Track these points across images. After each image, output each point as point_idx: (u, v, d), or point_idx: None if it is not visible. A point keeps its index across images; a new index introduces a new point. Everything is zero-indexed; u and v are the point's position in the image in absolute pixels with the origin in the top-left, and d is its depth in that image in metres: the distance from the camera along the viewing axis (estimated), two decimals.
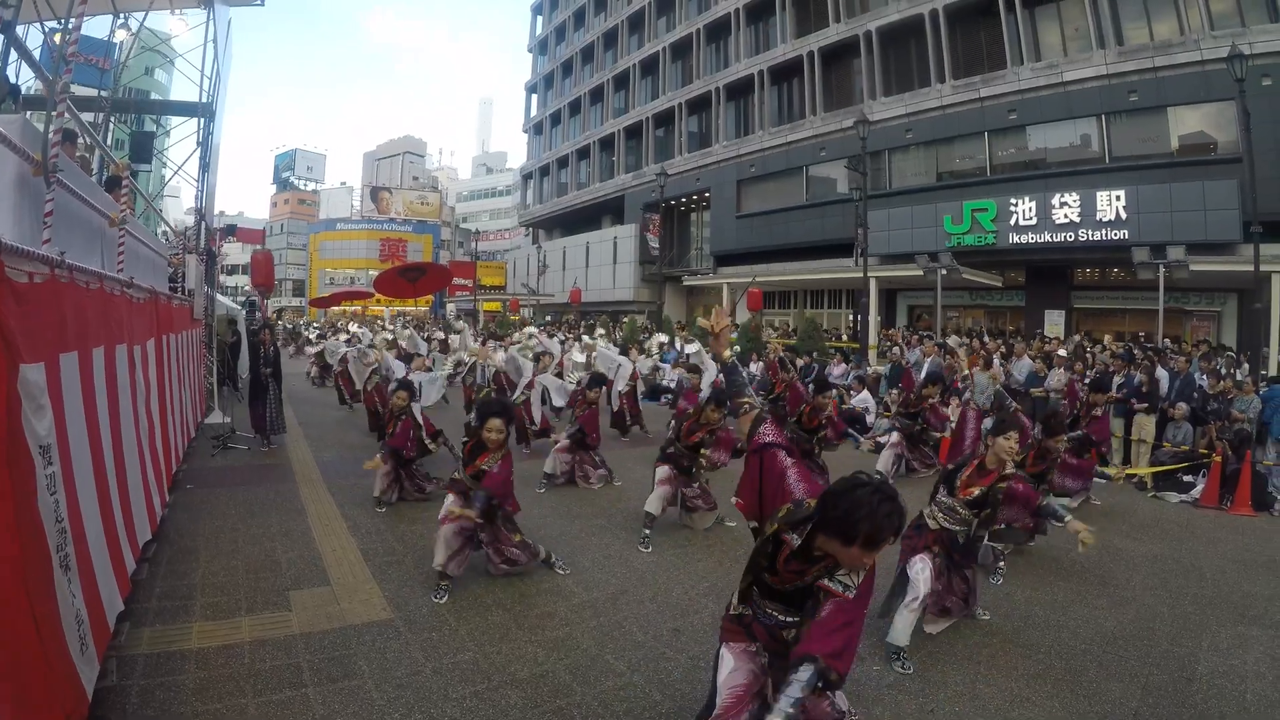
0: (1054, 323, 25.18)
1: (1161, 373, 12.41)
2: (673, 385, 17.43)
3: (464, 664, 4.60)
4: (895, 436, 10.88)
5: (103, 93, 14.09)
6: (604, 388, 11.30)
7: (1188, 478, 10.74)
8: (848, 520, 2.54)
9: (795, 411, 9.54)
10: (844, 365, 17.89)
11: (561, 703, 4.18)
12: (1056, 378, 13.65)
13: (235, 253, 67.28)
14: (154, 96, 35.03)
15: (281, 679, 4.30)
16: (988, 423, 9.59)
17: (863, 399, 15.03)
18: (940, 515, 5.27)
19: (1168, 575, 6.92)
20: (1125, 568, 7.09)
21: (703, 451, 7.63)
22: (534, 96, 58.42)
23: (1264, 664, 5.03)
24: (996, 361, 12.78)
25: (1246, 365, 14.50)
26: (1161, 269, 17.78)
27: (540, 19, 58.52)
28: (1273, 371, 15.43)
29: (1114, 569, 7.01)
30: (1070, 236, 23.27)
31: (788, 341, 22.17)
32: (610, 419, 13.58)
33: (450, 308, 50.03)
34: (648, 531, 7.29)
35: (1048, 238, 23.71)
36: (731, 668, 3.08)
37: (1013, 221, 24.40)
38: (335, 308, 47.46)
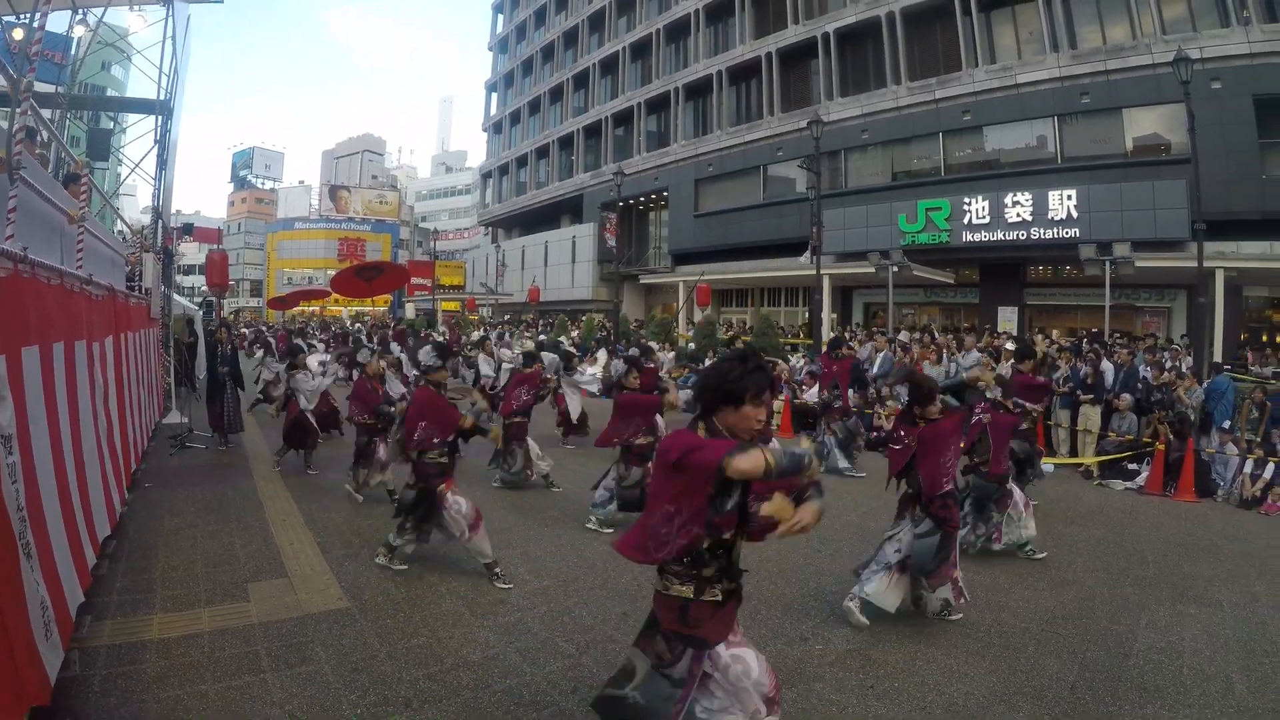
0: (1007, 319, 25.58)
1: (1106, 365, 12.74)
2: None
3: (417, 648, 4.70)
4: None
5: (60, 88, 13.89)
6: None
7: (1132, 466, 11.11)
8: (731, 384, 2.75)
9: None
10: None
11: (511, 683, 4.28)
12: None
13: (191, 252, 66.51)
14: (110, 92, 34.54)
15: (241, 665, 4.37)
16: None
17: (814, 394, 15.15)
18: None
19: (1110, 558, 7.16)
20: (1068, 552, 7.32)
21: None
22: (494, 95, 58.06)
23: (1200, 640, 5.23)
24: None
25: (1190, 357, 14.91)
26: (1108, 265, 18.19)
27: (501, 17, 58.11)
28: (1218, 359, 15.86)
29: (1056, 553, 7.22)
30: (1022, 235, 23.71)
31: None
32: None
33: (409, 308, 49.65)
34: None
35: (1000, 236, 24.16)
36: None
37: (966, 220, 24.82)
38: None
